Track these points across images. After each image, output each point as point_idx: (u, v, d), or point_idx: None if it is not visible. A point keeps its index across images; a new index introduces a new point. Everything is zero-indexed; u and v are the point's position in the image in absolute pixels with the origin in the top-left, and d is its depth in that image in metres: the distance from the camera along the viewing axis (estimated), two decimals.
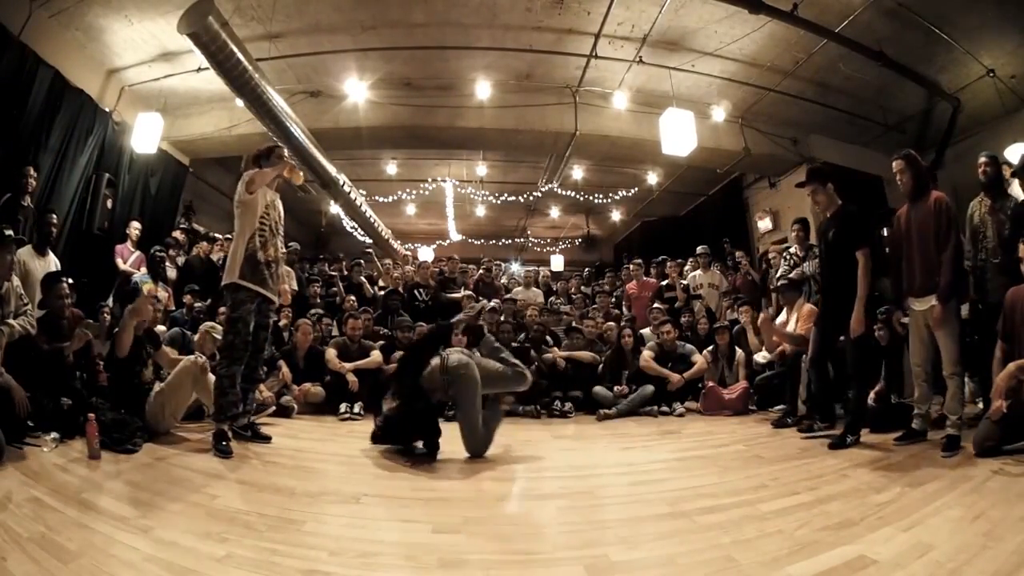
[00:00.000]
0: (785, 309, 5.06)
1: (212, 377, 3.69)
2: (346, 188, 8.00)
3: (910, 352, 3.52)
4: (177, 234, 6.49)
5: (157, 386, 3.57)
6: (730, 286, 6.88)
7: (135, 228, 6.20)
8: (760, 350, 5.18)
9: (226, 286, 3.34)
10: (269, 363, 4.78)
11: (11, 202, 4.74)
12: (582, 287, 8.17)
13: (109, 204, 6.25)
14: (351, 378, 4.76)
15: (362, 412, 4.70)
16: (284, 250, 3.85)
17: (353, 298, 6.30)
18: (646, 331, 5.94)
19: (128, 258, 6.02)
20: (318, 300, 6.41)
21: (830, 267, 3.69)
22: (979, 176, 4.04)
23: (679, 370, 5.18)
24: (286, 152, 3.80)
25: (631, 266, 7.38)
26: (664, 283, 7.03)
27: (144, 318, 3.66)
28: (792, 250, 5.88)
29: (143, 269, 5.96)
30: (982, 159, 4.18)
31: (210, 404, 3.75)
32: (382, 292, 7.07)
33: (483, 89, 6.96)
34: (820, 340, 3.70)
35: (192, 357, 3.68)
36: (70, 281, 4.02)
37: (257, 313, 3.39)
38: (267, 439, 3.45)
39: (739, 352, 5.39)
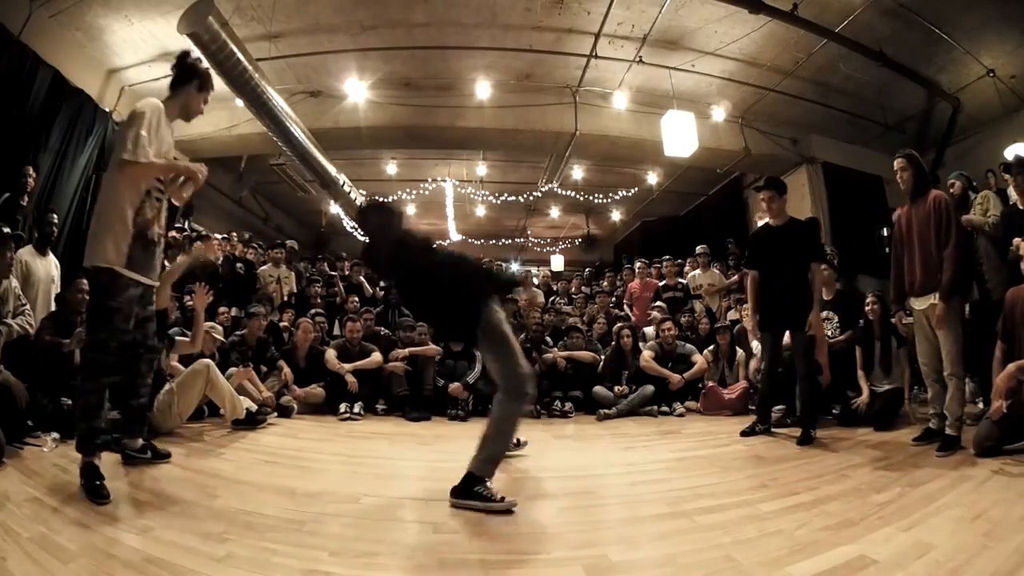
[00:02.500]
0: None
1: (223, 379, 3.72)
2: (346, 188, 7.99)
3: (918, 352, 3.51)
4: (174, 234, 6.43)
5: (167, 385, 3.59)
6: (733, 285, 6.86)
7: None
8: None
9: (98, 271, 2.40)
10: (269, 363, 4.80)
11: (10, 202, 4.74)
12: (582, 287, 8.18)
13: None
14: (350, 379, 4.76)
15: (362, 412, 4.71)
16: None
17: (356, 299, 6.29)
18: (649, 329, 5.94)
19: None
20: (318, 300, 6.40)
21: (781, 274, 3.75)
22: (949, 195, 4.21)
23: (679, 370, 5.19)
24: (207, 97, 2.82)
25: (637, 264, 7.40)
26: (662, 283, 7.03)
27: (210, 255, 3.41)
28: None
29: None
30: (951, 179, 4.56)
31: (221, 404, 3.78)
32: (383, 292, 7.06)
33: (483, 89, 6.96)
34: (773, 346, 3.87)
35: (206, 360, 3.73)
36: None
37: (138, 303, 2.55)
38: (166, 456, 2.85)
39: (739, 352, 5.38)
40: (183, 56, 2.76)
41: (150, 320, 2.71)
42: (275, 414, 4.39)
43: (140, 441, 2.79)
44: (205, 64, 2.87)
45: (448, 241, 13.09)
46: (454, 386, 4.86)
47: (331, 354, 4.94)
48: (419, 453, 3.44)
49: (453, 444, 3.65)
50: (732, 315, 6.07)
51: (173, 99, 2.73)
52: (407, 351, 4.97)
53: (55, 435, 3.03)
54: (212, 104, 7.39)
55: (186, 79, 2.72)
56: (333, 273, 7.47)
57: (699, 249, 7.11)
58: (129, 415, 2.78)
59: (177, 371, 3.79)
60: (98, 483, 2.24)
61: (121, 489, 2.33)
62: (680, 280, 7.03)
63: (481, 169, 9.98)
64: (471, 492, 2.23)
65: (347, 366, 4.84)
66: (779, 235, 3.85)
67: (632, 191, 10.68)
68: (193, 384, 3.59)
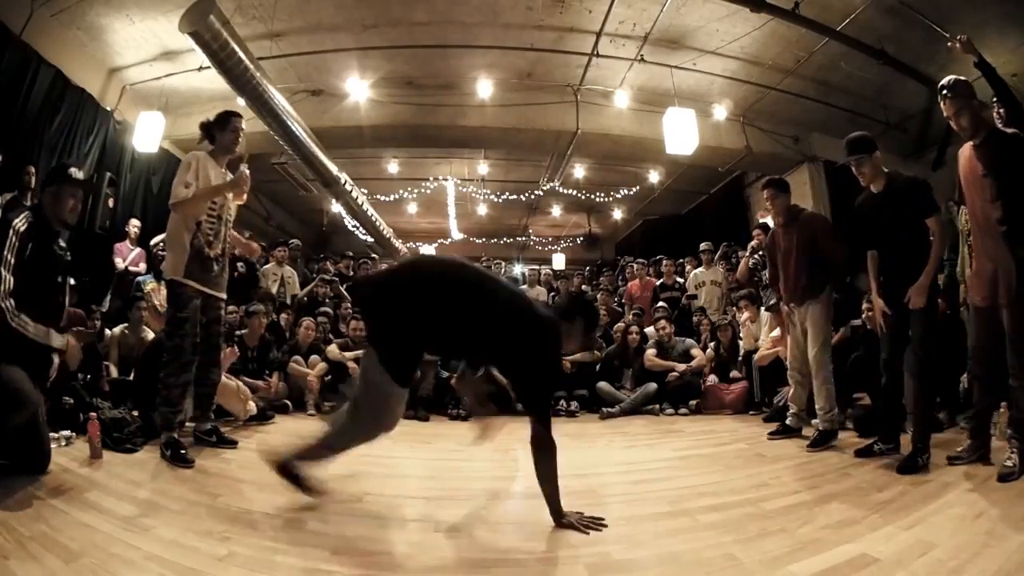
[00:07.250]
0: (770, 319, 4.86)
1: (229, 381, 3.71)
2: (347, 187, 8.00)
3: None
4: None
5: None
6: (734, 283, 6.83)
7: (134, 226, 6.19)
8: (755, 344, 5.18)
9: (168, 282, 3.00)
10: (272, 366, 4.77)
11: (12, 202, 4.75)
12: (582, 286, 8.19)
13: (111, 203, 6.25)
14: (351, 365, 4.77)
15: None
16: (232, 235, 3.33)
17: (348, 305, 6.22)
18: (650, 329, 5.94)
19: (128, 256, 6.00)
20: (327, 300, 6.36)
21: (894, 244, 3.16)
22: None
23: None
24: (242, 124, 3.25)
25: (635, 265, 7.39)
26: (659, 282, 7.02)
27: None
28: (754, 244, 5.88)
29: (142, 265, 5.96)
30: None
31: (228, 406, 3.78)
32: None
33: (484, 88, 6.95)
34: (893, 336, 3.08)
35: None
36: (71, 282, 3.99)
37: (204, 309, 3.06)
38: (233, 443, 3.23)
39: (742, 349, 5.38)
40: (201, 124, 3.24)
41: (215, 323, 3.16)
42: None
43: (208, 425, 3.22)
44: (214, 114, 3.27)
45: (449, 240, 13.08)
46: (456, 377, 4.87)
47: (333, 348, 4.97)
48: (420, 452, 3.45)
49: (454, 443, 3.65)
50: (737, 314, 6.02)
51: (213, 148, 3.20)
52: None
53: (67, 433, 3.05)
54: (213, 103, 7.45)
55: (211, 132, 3.20)
56: (329, 270, 7.43)
57: (703, 246, 7.08)
58: (196, 402, 3.20)
59: None
60: (182, 451, 2.80)
61: (122, 488, 2.33)
62: (678, 279, 7.02)
63: (482, 168, 9.96)
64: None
65: (349, 354, 4.88)
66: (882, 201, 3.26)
67: (634, 190, 10.66)
68: None
